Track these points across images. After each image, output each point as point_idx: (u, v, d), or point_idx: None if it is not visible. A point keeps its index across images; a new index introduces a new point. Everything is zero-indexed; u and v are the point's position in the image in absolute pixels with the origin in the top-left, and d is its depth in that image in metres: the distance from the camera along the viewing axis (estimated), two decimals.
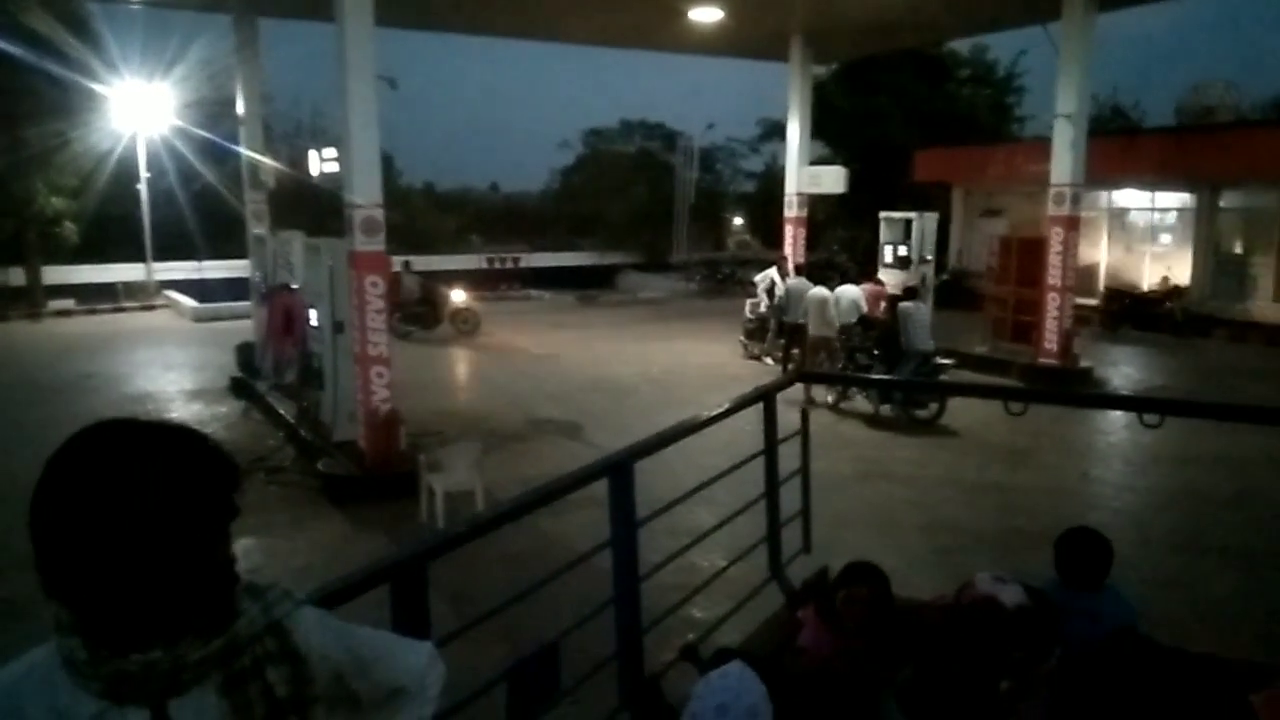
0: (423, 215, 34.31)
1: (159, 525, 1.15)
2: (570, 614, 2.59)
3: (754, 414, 3.76)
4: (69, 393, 12.85)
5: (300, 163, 12.69)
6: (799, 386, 11.68)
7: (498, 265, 29.45)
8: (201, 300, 22.25)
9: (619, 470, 2.40)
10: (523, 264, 30.49)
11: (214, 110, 22.00)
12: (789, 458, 3.77)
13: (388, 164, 35.27)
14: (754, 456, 3.43)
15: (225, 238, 22.47)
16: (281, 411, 10.93)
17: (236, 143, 13.88)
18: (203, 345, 16.89)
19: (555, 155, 59.86)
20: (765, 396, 3.35)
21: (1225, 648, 4.91)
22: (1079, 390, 12.84)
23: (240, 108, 13.65)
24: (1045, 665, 2.67)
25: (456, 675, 2.44)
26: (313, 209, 18.72)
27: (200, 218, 24.63)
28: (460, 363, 16.16)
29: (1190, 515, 8.15)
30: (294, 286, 11.04)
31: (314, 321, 10.35)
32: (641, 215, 33.55)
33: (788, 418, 3.77)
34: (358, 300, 8.96)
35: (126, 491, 1.14)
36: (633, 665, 2.47)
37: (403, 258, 19.74)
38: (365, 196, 8.87)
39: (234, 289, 20.27)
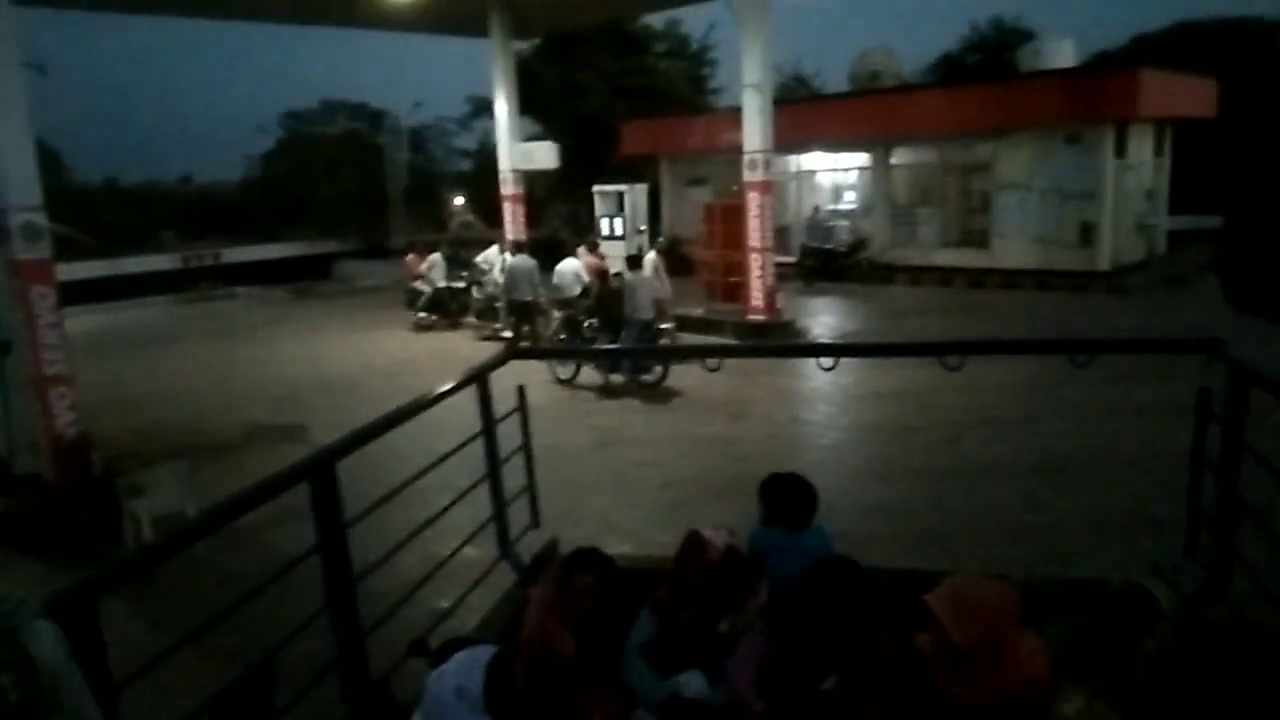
0: (105, 214, 30.88)
1: None
2: (302, 632, 2.45)
3: (493, 393, 3.74)
4: None
5: None
6: (542, 363, 11.94)
7: (195, 263, 27.09)
8: None
9: (319, 471, 2.30)
10: (225, 260, 28.25)
11: None
12: (518, 436, 3.79)
13: (53, 160, 31.33)
14: (473, 438, 3.41)
15: None
16: None
17: None
18: None
19: (252, 141, 55.91)
20: (478, 377, 3.32)
21: (921, 559, 5.57)
22: (783, 341, 13.91)
23: None
24: (756, 601, 2.89)
25: (174, 705, 2.25)
26: None
27: None
28: (160, 372, 14.69)
29: (885, 445, 9.09)
30: None
31: None
32: (353, 200, 32.12)
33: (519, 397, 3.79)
34: (26, 315, 7.92)
35: None
36: (356, 670, 2.39)
37: None
38: (21, 198, 7.83)
39: None
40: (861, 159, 22.24)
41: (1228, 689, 1.83)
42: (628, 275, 12.11)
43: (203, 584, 5.88)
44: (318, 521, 2.30)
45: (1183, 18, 29.49)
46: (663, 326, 12.32)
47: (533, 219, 22.82)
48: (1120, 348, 3.10)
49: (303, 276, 26.78)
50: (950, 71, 32.89)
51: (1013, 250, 19.26)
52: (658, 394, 11.41)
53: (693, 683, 2.63)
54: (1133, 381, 9.69)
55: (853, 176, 22.95)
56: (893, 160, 21.74)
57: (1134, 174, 19.30)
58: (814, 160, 23.24)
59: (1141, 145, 19.63)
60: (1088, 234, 18.28)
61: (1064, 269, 18.28)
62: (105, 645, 1.79)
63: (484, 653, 2.06)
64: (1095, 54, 28.09)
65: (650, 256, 13.64)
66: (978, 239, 20.44)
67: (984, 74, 28.36)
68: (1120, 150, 18.32)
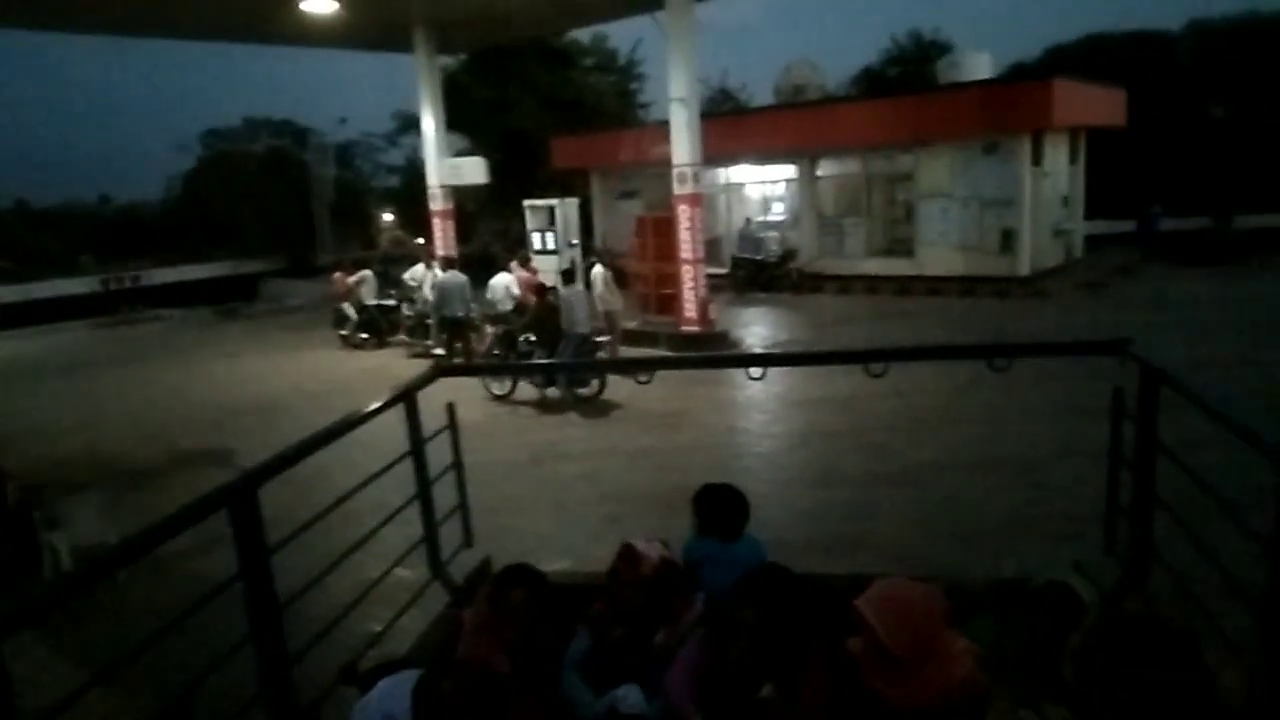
0: (18, 237, 29.83)
1: None
2: (234, 661, 2.39)
3: (427, 411, 3.71)
4: None
5: None
6: (477, 381, 11.83)
7: (115, 286, 26.29)
8: None
9: (238, 496, 2.24)
10: (146, 282, 27.48)
11: None
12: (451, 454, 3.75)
13: None
14: (401, 458, 3.37)
15: None
16: None
17: None
18: None
19: (172, 160, 54.48)
20: (405, 395, 3.28)
21: (854, 563, 5.65)
22: (717, 351, 14.03)
23: None
24: (692, 612, 2.90)
25: None
26: None
27: None
28: (80, 400, 14.19)
29: (817, 451, 9.21)
30: None
31: None
32: (279, 219, 31.52)
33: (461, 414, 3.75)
34: None
35: None
36: (282, 700, 2.33)
37: None
38: None
39: None
40: (788, 171, 22.56)
41: (1138, 687, 1.89)
42: (562, 290, 12.09)
43: (135, 616, 5.70)
44: (239, 548, 2.25)
45: (1093, 30, 30.64)
46: (600, 340, 12.32)
47: (463, 234, 22.68)
48: (1036, 351, 3.21)
49: (229, 297, 26.20)
50: (872, 84, 33.65)
51: (936, 258, 19.73)
52: (595, 407, 11.39)
53: (630, 697, 2.63)
54: (1054, 382, 9.99)
55: (781, 188, 23.29)
56: (819, 172, 22.10)
57: (1050, 181, 19.94)
58: (743, 173, 23.52)
59: (1057, 153, 20.30)
60: (1008, 240, 18.81)
61: (986, 275, 18.78)
62: (11, 683, 1.71)
63: (409, 677, 2.03)
64: (1011, 66, 28.99)
65: (599, 270, 13.68)
66: (903, 248, 20.90)
67: (904, 86, 29.03)
68: (1037, 159, 18.92)
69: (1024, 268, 18.69)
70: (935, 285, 19.19)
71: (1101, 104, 21.33)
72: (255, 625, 2.28)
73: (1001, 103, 18.32)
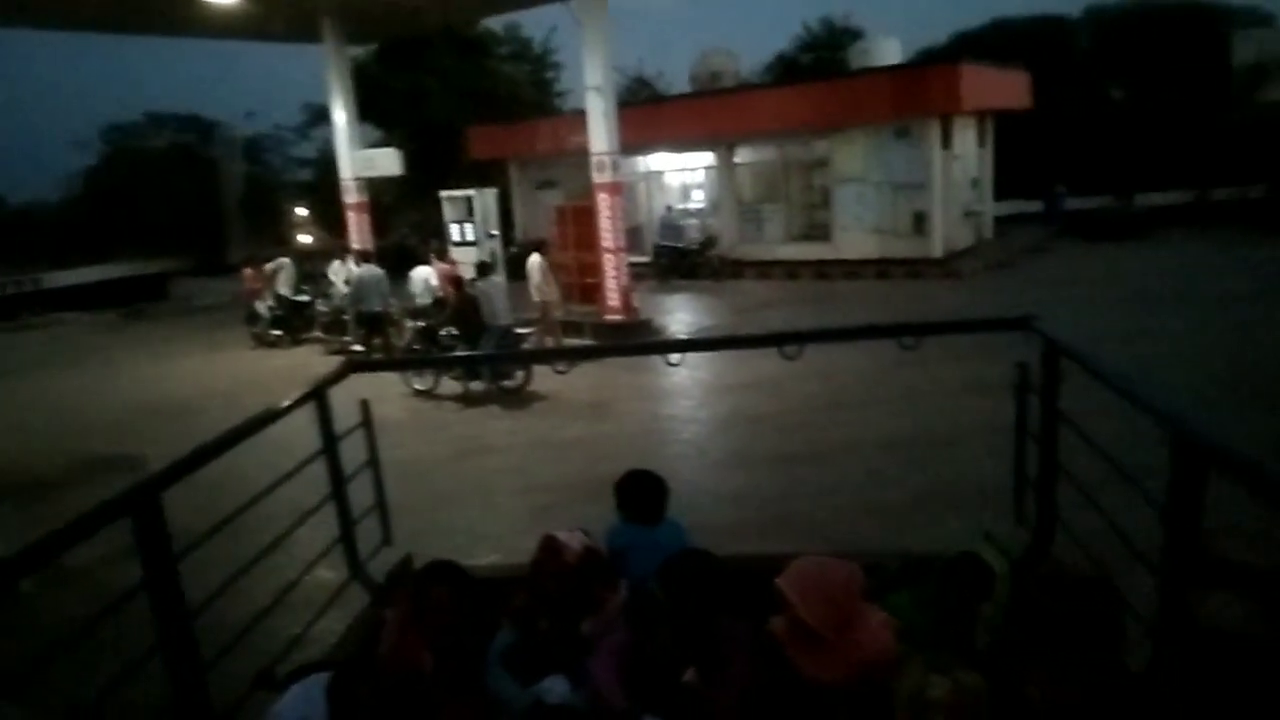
0: None
1: None
2: (153, 672, 2.31)
3: (352, 406, 3.65)
4: None
5: None
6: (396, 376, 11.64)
7: (13, 290, 25.15)
8: None
9: (140, 502, 2.16)
10: (47, 285, 26.36)
11: None
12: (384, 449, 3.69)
13: None
14: (314, 457, 3.29)
15: None
16: None
17: None
18: None
19: (71, 157, 52.13)
20: (315, 393, 3.20)
21: (778, 543, 5.73)
22: (642, 339, 14.07)
23: None
24: (616, 600, 2.91)
25: None
26: None
27: None
28: None
29: (741, 434, 9.32)
30: None
31: None
32: (188, 216, 30.52)
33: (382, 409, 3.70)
34: None
35: None
36: (196, 710, 2.26)
37: None
38: None
39: None
40: (707, 158, 22.71)
41: (1053, 623, 1.95)
42: (480, 283, 11.96)
43: (47, 633, 5.47)
44: (143, 557, 2.17)
45: (998, 16, 31.50)
46: (522, 332, 12.22)
47: (380, 227, 22.27)
48: (943, 329, 3.31)
49: (136, 298, 25.28)
50: (786, 71, 34.03)
51: (853, 242, 20.10)
52: (520, 400, 11.32)
53: (556, 688, 2.62)
54: (970, 360, 10.25)
55: (700, 175, 23.41)
56: (737, 159, 22.29)
57: (960, 164, 20.47)
58: (662, 160, 23.58)
59: (965, 137, 20.84)
60: (920, 223, 19.27)
61: (901, 257, 19.22)
62: None
63: (321, 679, 1.99)
64: (920, 51, 29.66)
65: (537, 259, 13.57)
66: (820, 232, 21.23)
67: (818, 73, 29.45)
68: (946, 142, 19.39)
69: (937, 249, 19.17)
70: (852, 269, 19.56)
71: (1007, 88, 21.96)
72: (163, 634, 2.21)
73: (911, 88, 18.71)
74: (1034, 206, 25.25)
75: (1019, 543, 3.26)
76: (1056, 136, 25.42)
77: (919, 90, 18.61)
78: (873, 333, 3.74)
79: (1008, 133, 23.36)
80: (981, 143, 22.30)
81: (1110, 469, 2.69)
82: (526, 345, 12.13)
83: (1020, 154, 24.17)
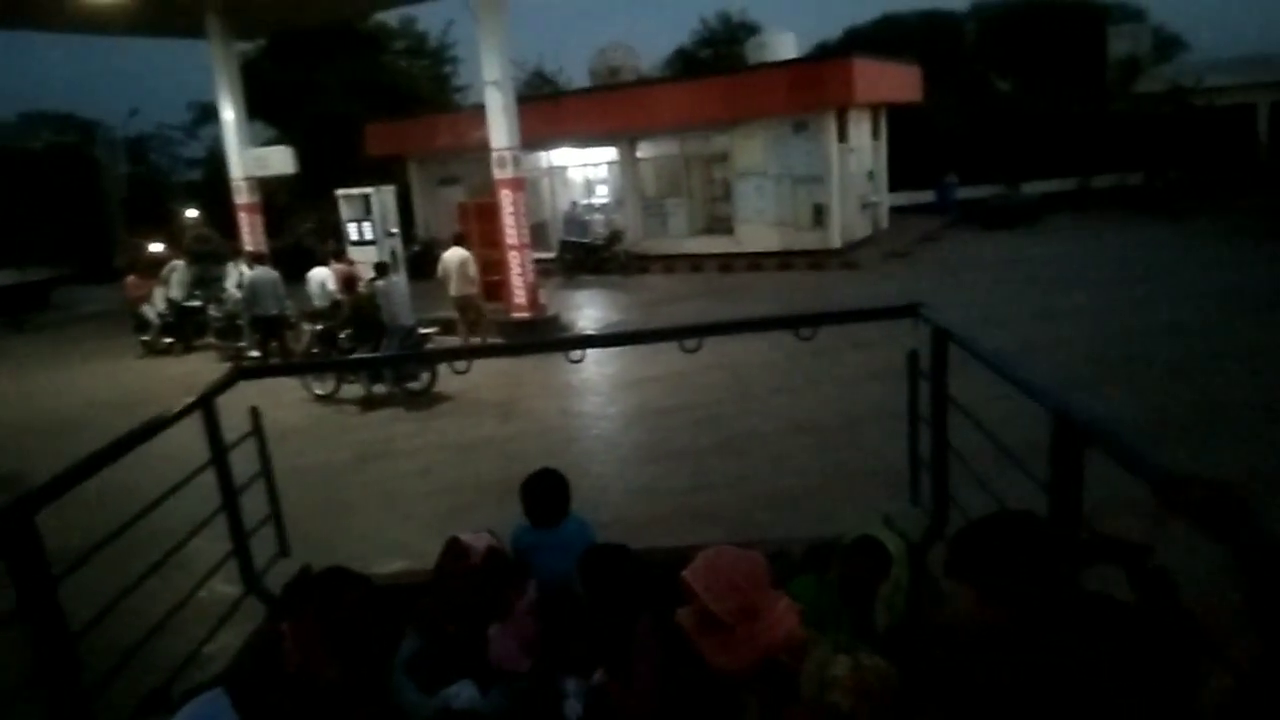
0: None
1: None
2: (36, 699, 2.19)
3: (247, 414, 3.53)
4: None
5: None
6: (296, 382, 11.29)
7: None
8: None
9: (10, 524, 2.05)
10: None
11: None
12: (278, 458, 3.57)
13: None
14: (203, 468, 3.18)
15: None
16: None
17: None
18: None
19: None
20: (202, 401, 3.09)
21: (689, 535, 5.79)
22: (549, 336, 13.99)
23: None
24: (524, 601, 2.89)
25: None
26: None
27: None
28: None
29: (651, 428, 9.37)
30: None
31: None
32: (69, 220, 29.02)
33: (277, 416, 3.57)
34: None
35: None
36: None
37: None
38: None
39: None
40: (609, 153, 22.71)
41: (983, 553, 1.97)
42: (379, 282, 11.69)
43: None
44: (15, 581, 2.05)
45: (889, 10, 32.39)
46: (426, 332, 12.00)
47: (275, 228, 21.60)
48: (837, 319, 3.38)
49: (16, 308, 23.90)
50: (685, 66, 34.31)
51: (755, 234, 20.40)
52: (426, 401, 11.13)
53: (463, 693, 2.59)
54: (871, 349, 10.52)
55: (603, 171, 23.41)
56: (639, 154, 22.35)
57: (856, 157, 20.96)
58: (564, 156, 23.49)
59: (860, 129, 21.35)
60: (819, 215, 19.67)
61: (801, 249, 19.59)
62: None
63: (213, 697, 1.92)
64: (815, 46, 30.25)
65: (460, 251, 13.36)
66: (723, 226, 21.49)
67: (716, 67, 29.74)
68: (842, 135, 19.83)
69: (835, 240, 19.59)
70: (755, 261, 19.84)
71: (899, 81, 22.57)
72: (41, 661, 2.10)
73: (807, 82, 19.06)
74: (927, 196, 26.06)
75: (917, 524, 3.36)
76: (946, 128, 26.28)
77: (815, 84, 18.96)
78: (768, 324, 3.80)
79: (900, 125, 24.04)
80: (876, 135, 22.88)
81: (998, 451, 2.79)
82: (430, 346, 11.92)
83: (912, 145, 24.91)
